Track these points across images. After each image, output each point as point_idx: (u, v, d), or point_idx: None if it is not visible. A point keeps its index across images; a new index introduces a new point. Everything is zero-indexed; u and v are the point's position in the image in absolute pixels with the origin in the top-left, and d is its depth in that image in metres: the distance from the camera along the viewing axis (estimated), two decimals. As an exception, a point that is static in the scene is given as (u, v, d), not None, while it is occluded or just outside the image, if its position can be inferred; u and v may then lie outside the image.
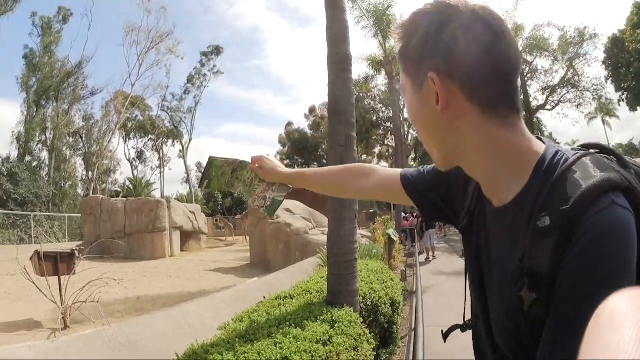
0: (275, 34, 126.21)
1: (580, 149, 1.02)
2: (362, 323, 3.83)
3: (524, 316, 0.90)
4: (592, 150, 0.99)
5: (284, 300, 4.04)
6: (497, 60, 0.94)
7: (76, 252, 10.06)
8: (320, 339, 2.95)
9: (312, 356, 2.64)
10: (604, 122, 55.43)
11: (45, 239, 30.80)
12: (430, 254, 19.24)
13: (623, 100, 42.16)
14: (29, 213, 34.14)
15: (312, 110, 63.87)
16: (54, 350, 3.04)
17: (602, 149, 1.00)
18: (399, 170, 1.46)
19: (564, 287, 0.81)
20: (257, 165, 1.74)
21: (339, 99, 4.42)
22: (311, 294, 4.28)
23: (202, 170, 1.86)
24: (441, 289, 11.20)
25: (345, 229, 4.34)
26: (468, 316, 1.30)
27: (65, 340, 3.34)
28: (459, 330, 1.26)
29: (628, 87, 39.45)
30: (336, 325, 3.34)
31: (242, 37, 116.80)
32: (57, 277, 8.97)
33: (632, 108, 40.70)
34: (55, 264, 9.15)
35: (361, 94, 43.29)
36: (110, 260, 10.91)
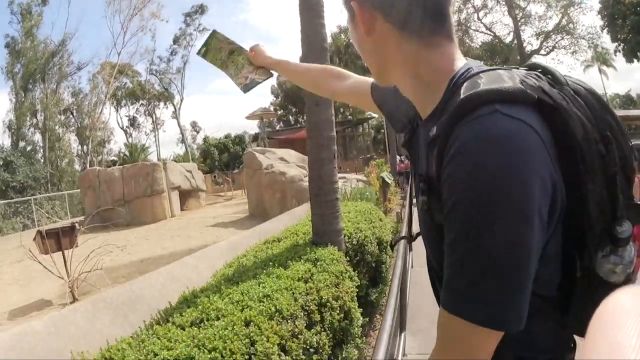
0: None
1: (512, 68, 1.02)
2: (347, 261, 3.96)
3: (429, 219, 0.95)
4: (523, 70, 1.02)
5: (271, 243, 4.18)
6: None
7: (77, 224, 10.19)
8: (302, 277, 3.07)
9: (293, 293, 2.76)
10: (600, 71, 54.87)
11: (47, 220, 31.03)
12: None
13: (619, 51, 41.46)
14: (29, 197, 34.06)
15: (302, 59, 63.33)
16: (61, 319, 3.14)
17: (543, 69, 1.00)
18: (370, 79, 1.54)
19: (443, 191, 0.86)
20: (252, 51, 1.93)
21: (312, 44, 4.51)
22: (298, 235, 4.41)
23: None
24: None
25: (325, 168, 4.42)
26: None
27: (71, 308, 3.46)
28: None
29: (624, 39, 38.49)
30: (318, 263, 3.47)
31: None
32: (61, 253, 9.10)
33: (629, 60, 39.89)
34: (58, 240, 9.27)
35: (351, 41, 42.90)
36: (112, 228, 11.01)
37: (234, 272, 3.28)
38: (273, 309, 2.49)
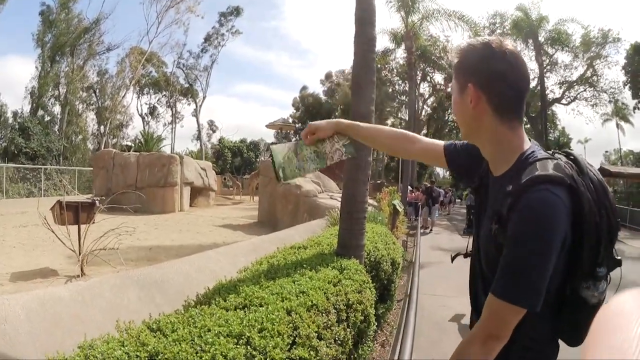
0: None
1: (555, 153, 1.61)
2: (366, 273, 4.28)
3: (494, 240, 1.50)
4: (562, 156, 1.58)
5: (298, 249, 4.48)
6: (510, 85, 1.53)
7: (97, 201, 10.30)
8: (331, 281, 3.39)
9: (325, 292, 3.08)
10: (618, 125, 55.38)
11: (54, 192, 31.16)
12: (429, 227, 20.61)
13: (639, 109, 41.94)
14: (40, 166, 34.34)
15: (328, 76, 63.38)
16: (88, 289, 3.28)
17: (574, 158, 1.57)
18: (441, 142, 2.06)
19: (509, 227, 1.41)
20: (310, 134, 2.15)
21: (362, 77, 4.86)
22: (322, 246, 4.72)
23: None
24: (439, 263, 11.69)
25: (359, 189, 4.83)
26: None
27: (98, 280, 3.63)
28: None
29: (645, 97, 39.37)
30: (344, 271, 3.79)
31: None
32: (76, 227, 9.14)
33: (647, 117, 40.60)
34: (76, 213, 9.33)
35: (378, 66, 43.00)
36: (122, 212, 11.17)
37: (267, 269, 3.57)
38: (309, 303, 2.81)
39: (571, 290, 1.48)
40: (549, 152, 1.61)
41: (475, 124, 1.63)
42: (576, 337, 1.55)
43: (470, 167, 1.87)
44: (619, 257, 1.55)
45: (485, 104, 1.56)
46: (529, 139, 1.63)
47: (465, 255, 1.94)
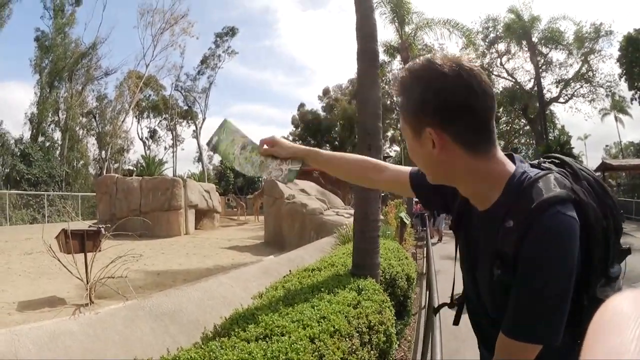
0: (286, 15, 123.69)
1: (544, 160, 1.50)
2: (383, 292, 4.21)
3: (498, 284, 1.34)
4: (553, 166, 1.44)
5: (312, 272, 4.40)
6: (475, 113, 1.29)
7: (102, 229, 10.15)
8: (351, 303, 3.33)
9: (345, 316, 3.02)
10: (616, 119, 55.49)
11: (58, 218, 31.15)
12: (436, 237, 20.12)
13: (636, 99, 41.93)
14: (42, 193, 34.59)
15: (325, 92, 63.01)
16: (99, 321, 3.23)
17: (561, 161, 1.47)
18: (407, 169, 1.84)
19: (522, 266, 1.24)
20: (269, 144, 1.96)
21: (366, 93, 4.84)
22: (336, 267, 4.65)
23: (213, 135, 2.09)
24: (449, 272, 11.48)
25: (371, 207, 4.76)
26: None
27: (108, 311, 3.52)
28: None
29: (642, 87, 39.40)
30: (362, 292, 3.74)
31: (253, 16, 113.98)
32: (82, 255, 9.02)
33: (645, 107, 40.61)
34: (82, 242, 9.24)
35: (375, 78, 43.00)
36: (127, 237, 11.06)
37: (284, 294, 3.49)
38: (332, 328, 2.74)
39: (589, 299, 1.35)
40: (534, 162, 1.47)
41: (444, 169, 1.40)
42: None
43: (444, 194, 1.66)
44: (627, 247, 1.46)
45: (452, 145, 1.32)
46: (512, 152, 1.45)
47: (450, 305, 1.80)
